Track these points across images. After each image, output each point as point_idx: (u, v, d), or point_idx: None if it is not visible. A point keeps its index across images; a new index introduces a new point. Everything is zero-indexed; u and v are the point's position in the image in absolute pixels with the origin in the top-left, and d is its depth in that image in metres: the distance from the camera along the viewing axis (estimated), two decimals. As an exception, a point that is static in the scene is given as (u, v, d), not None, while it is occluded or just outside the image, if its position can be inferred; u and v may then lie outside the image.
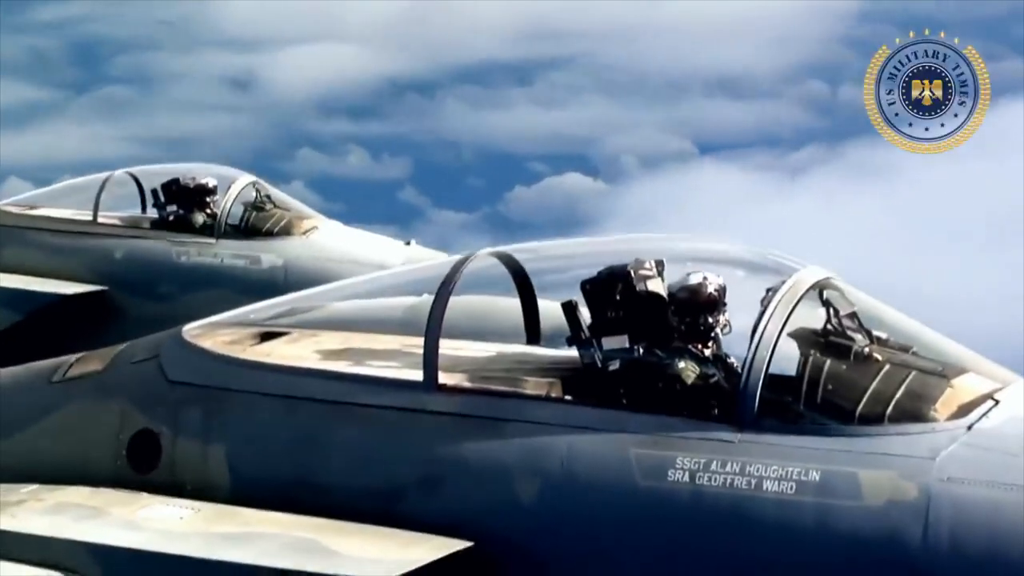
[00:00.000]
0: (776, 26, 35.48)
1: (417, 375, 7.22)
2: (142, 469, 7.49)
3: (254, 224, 16.47)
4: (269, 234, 16.34)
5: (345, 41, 37.49)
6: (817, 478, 6.53)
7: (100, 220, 16.71)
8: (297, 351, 7.74)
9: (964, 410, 6.75)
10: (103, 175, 17.17)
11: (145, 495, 7.29)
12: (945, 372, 6.98)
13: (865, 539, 6.44)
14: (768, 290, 7.10)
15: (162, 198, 16.88)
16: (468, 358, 7.60)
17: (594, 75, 37.90)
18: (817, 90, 36.75)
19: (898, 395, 6.79)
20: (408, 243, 16.76)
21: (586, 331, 7.34)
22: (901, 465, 6.51)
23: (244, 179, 16.88)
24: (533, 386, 7.40)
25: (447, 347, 7.32)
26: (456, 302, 7.34)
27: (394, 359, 7.58)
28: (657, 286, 7.36)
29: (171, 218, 16.70)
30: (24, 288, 15.71)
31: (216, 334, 7.88)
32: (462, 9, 36.72)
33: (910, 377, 6.88)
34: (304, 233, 16.51)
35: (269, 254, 16.08)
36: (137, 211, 17.33)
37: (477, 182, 36.74)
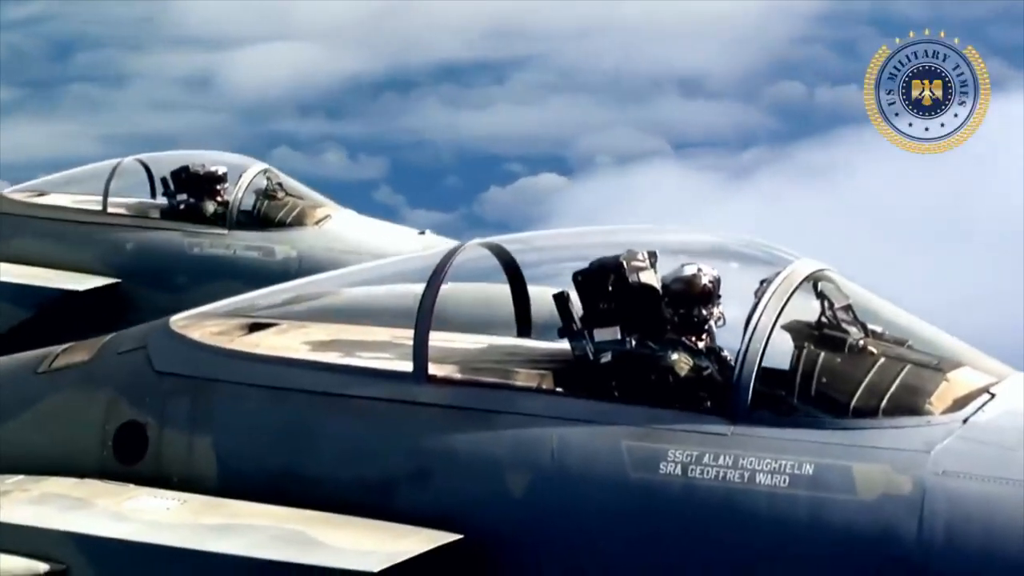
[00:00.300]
0: (736, 26, 35.72)
1: (407, 366, 7.15)
2: (128, 460, 7.42)
3: (266, 213, 16.25)
4: (282, 224, 16.11)
5: (306, 40, 37.63)
6: (810, 471, 6.47)
7: (110, 210, 16.51)
8: (285, 342, 7.67)
9: (960, 403, 6.70)
10: (112, 162, 17.00)
11: (131, 486, 7.23)
12: (940, 366, 6.92)
13: (859, 533, 6.38)
14: (762, 281, 7.04)
15: (172, 186, 16.63)
16: (458, 350, 7.53)
17: (557, 75, 38.15)
18: (774, 91, 37.05)
19: (893, 388, 6.74)
20: (422, 232, 16.45)
21: (578, 322, 7.28)
22: (895, 458, 6.44)
23: (255, 167, 16.66)
24: (524, 378, 7.32)
25: (438, 339, 7.26)
26: (449, 291, 7.28)
27: (384, 350, 7.52)
28: (650, 277, 7.29)
29: (181, 207, 16.45)
30: (37, 284, 15.50)
31: (204, 325, 7.81)
32: (422, 9, 36.91)
33: (905, 370, 6.83)
34: (317, 223, 16.27)
35: (283, 245, 15.86)
36: (146, 198, 17.09)
37: (454, 182, 36.83)
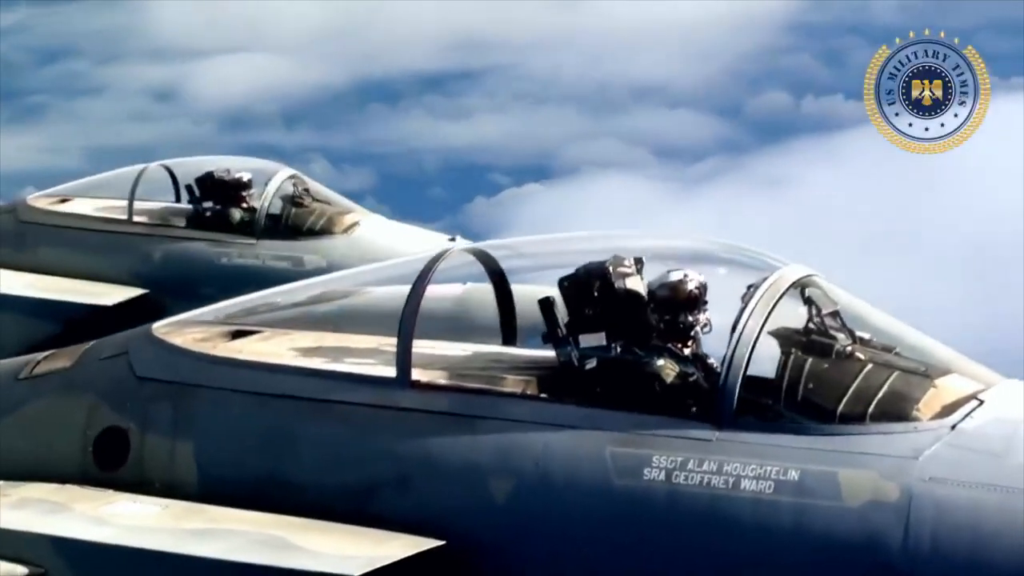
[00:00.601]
0: (697, 36, 35.93)
1: (390, 372, 7.10)
2: (109, 466, 7.39)
3: (294, 221, 16.01)
4: (311, 232, 15.88)
5: (274, 51, 37.68)
6: (796, 477, 6.41)
7: (135, 218, 16.24)
8: (269, 348, 7.63)
9: (948, 410, 6.64)
10: (137, 168, 16.73)
11: (111, 492, 7.19)
12: (928, 372, 6.86)
13: (844, 540, 6.32)
14: (749, 287, 6.98)
15: (197, 193, 16.43)
16: (443, 356, 7.49)
17: (527, 85, 38.34)
18: (732, 100, 37.17)
19: (880, 394, 6.68)
20: (453, 238, 15.74)
21: (563, 328, 7.22)
22: (882, 465, 6.39)
23: (282, 173, 16.40)
24: (508, 383, 7.29)
25: (422, 345, 7.21)
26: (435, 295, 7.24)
27: (368, 356, 7.48)
28: (636, 283, 7.24)
29: (207, 214, 16.24)
30: (64, 299, 15.23)
31: (186, 331, 7.78)
32: (387, 21, 37.08)
33: (893, 377, 6.77)
34: (346, 230, 16.01)
35: (312, 255, 15.61)
36: (170, 203, 16.83)
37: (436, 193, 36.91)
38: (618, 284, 7.21)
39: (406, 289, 7.24)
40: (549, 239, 8.33)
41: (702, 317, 7.17)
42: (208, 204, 16.31)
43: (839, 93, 37.00)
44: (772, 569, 6.44)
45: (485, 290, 7.78)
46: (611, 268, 7.23)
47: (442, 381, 7.21)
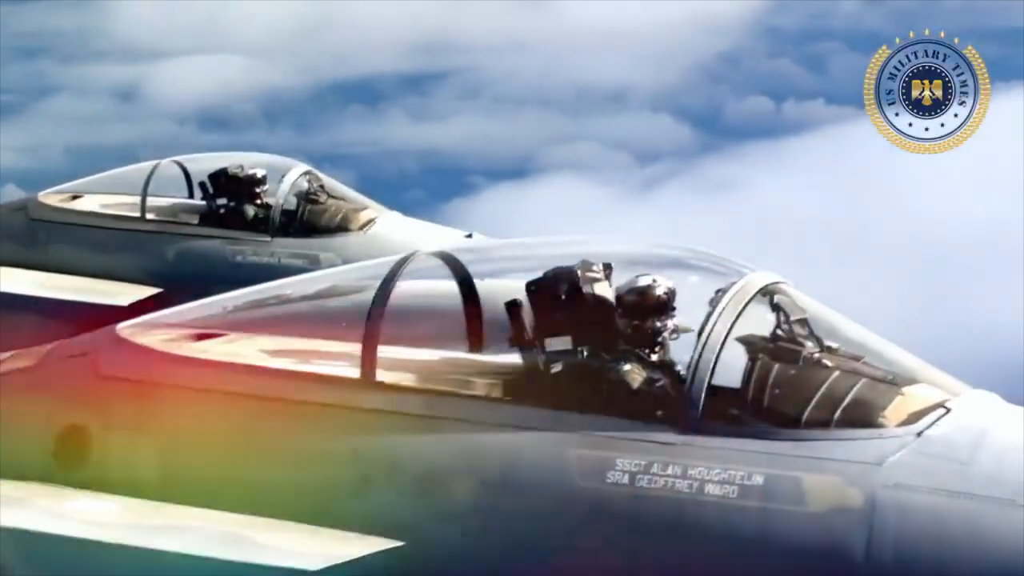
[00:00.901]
0: (655, 41, 36.06)
1: (355, 373, 7.09)
2: (71, 464, 7.36)
3: (309, 219, 15.84)
4: (327, 230, 15.74)
5: (236, 52, 37.65)
6: (760, 482, 6.41)
7: (148, 215, 16.11)
8: (234, 349, 7.61)
9: (914, 418, 6.63)
10: (150, 164, 16.58)
11: (72, 490, 7.17)
12: (895, 381, 6.85)
13: (808, 545, 6.32)
14: (717, 291, 6.97)
15: (211, 189, 16.28)
16: (408, 359, 7.48)
17: (479, 89, 38.34)
18: (689, 104, 37.11)
19: (846, 401, 6.67)
20: (469, 235, 15.85)
21: (530, 332, 7.21)
22: (847, 471, 6.38)
23: (297, 169, 16.23)
24: (473, 385, 7.28)
25: (387, 347, 7.19)
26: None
27: (333, 358, 7.46)
28: (604, 289, 7.23)
29: (221, 211, 16.10)
30: (77, 299, 15.05)
31: (152, 332, 7.76)
32: (351, 23, 37.10)
33: (859, 384, 6.76)
34: (362, 227, 15.86)
35: (328, 253, 15.36)
36: (183, 200, 16.64)
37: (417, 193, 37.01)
38: (586, 289, 7.19)
39: (372, 292, 7.24)
40: (517, 243, 8.32)
41: (670, 323, 7.16)
42: (222, 201, 16.17)
43: (794, 97, 37.16)
44: (735, 573, 6.43)
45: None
46: (579, 273, 7.22)
47: (407, 383, 7.20)
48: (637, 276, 7.20)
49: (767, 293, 7.05)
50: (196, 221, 16.28)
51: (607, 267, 7.28)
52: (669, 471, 6.50)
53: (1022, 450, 6.54)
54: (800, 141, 33.08)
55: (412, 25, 36.81)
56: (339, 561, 6.43)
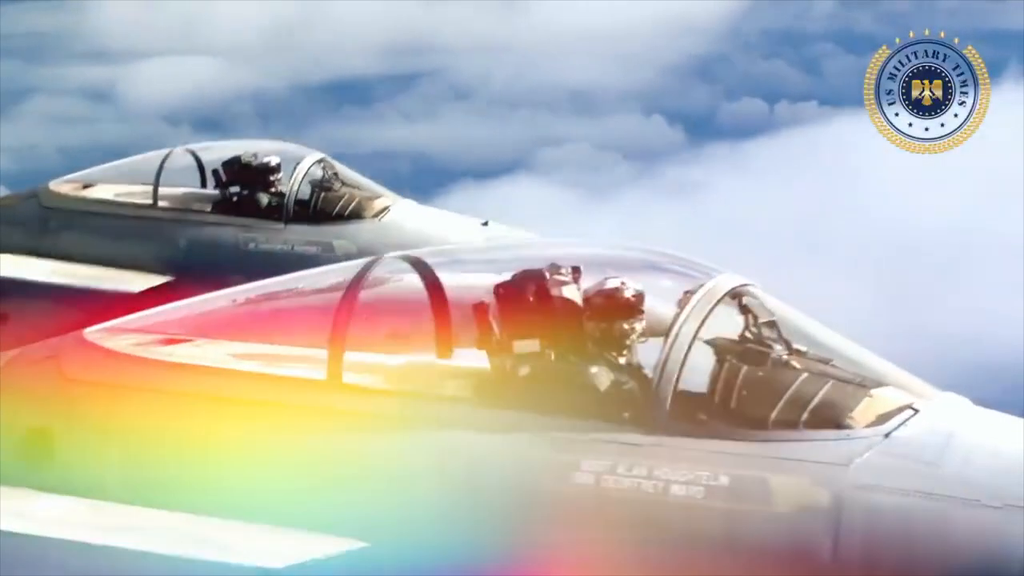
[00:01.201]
0: (630, 43, 36.09)
1: (322, 375, 7.09)
2: (38, 467, 7.35)
3: (323, 206, 15.75)
4: (340, 217, 15.62)
5: (209, 54, 37.61)
6: (727, 483, 6.40)
7: (160, 203, 16.02)
8: (201, 352, 7.62)
9: (882, 419, 6.62)
10: (162, 152, 16.47)
11: (36, 492, 7.17)
12: (863, 383, 6.85)
13: (775, 546, 6.31)
14: (685, 293, 6.97)
15: (224, 177, 16.15)
16: (375, 362, 7.48)
17: (454, 91, 38.36)
18: (656, 106, 37.19)
19: (814, 402, 6.67)
20: (485, 223, 15.73)
21: (497, 334, 7.21)
22: (814, 471, 6.38)
23: (311, 156, 16.13)
24: (440, 388, 7.26)
25: (354, 350, 7.18)
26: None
27: (299, 361, 7.47)
28: (572, 291, 7.22)
29: (234, 199, 15.98)
30: (88, 286, 14.96)
31: (118, 336, 7.75)
32: (328, 25, 37.10)
33: (827, 386, 6.75)
34: (377, 215, 15.77)
35: (341, 240, 15.30)
36: (196, 188, 16.52)
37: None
38: (554, 291, 7.19)
39: (340, 295, 7.24)
40: (485, 247, 8.32)
41: (638, 326, 7.15)
42: (235, 189, 16.03)
43: (758, 97, 37.15)
44: (702, 574, 6.41)
45: None
46: (548, 275, 7.22)
47: (373, 385, 7.19)
48: (605, 279, 7.19)
49: (735, 295, 7.04)
50: (209, 209, 16.15)
51: (575, 270, 7.28)
52: (635, 472, 6.50)
53: (989, 452, 6.54)
54: (766, 142, 33.22)
55: (388, 27, 36.93)
56: (304, 561, 6.42)
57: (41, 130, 36.44)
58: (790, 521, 6.32)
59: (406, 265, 7.62)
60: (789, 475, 6.38)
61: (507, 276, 7.27)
